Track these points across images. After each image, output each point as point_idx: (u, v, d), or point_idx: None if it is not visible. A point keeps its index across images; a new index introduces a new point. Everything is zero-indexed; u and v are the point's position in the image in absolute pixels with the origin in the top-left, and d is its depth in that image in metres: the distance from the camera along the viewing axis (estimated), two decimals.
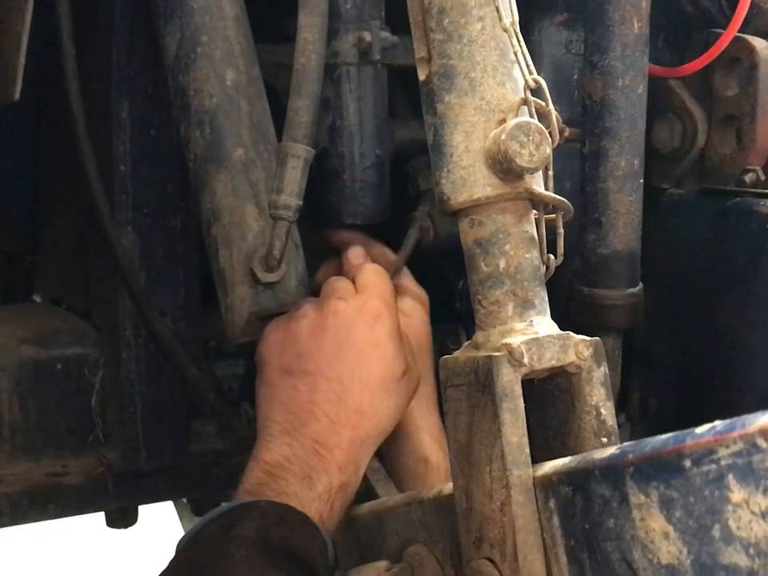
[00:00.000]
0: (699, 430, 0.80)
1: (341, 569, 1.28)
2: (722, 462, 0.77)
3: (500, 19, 1.05)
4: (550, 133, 1.04)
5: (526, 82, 1.05)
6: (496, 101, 1.05)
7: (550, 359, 1.02)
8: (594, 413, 1.04)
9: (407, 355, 1.34)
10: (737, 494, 0.77)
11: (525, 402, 1.01)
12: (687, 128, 1.56)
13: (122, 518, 1.73)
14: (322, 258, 1.57)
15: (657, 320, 1.54)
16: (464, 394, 1.04)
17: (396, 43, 1.53)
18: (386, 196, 1.57)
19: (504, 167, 1.02)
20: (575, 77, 1.58)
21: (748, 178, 1.50)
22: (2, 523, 1.59)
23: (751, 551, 0.76)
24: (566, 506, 0.95)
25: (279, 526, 1.16)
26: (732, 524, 0.77)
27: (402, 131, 1.62)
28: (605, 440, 1.04)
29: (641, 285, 1.47)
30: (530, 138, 1.01)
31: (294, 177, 1.36)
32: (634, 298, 1.46)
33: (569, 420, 1.06)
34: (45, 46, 1.49)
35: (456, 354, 1.07)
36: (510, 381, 1.00)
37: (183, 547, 1.17)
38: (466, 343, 1.08)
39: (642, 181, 1.44)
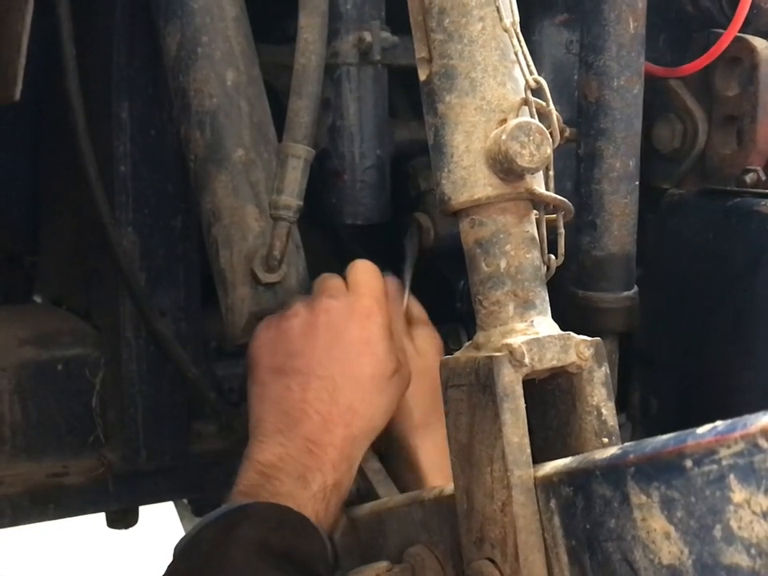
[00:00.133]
0: (700, 430, 0.80)
1: (341, 569, 1.27)
2: (724, 463, 0.77)
3: (500, 19, 1.05)
4: (550, 133, 1.03)
5: (527, 82, 1.05)
6: (497, 101, 1.05)
7: (550, 359, 1.02)
8: (595, 413, 1.04)
9: (398, 353, 1.33)
10: (738, 494, 0.77)
11: (526, 403, 1.01)
12: (688, 128, 1.56)
13: (122, 518, 1.73)
14: (322, 258, 1.57)
15: (657, 320, 1.54)
16: (465, 395, 1.04)
17: (396, 43, 1.53)
18: (387, 196, 1.58)
19: (505, 167, 1.02)
20: (575, 77, 1.58)
21: (749, 178, 1.50)
22: (3, 524, 1.59)
23: (752, 551, 0.76)
24: (567, 506, 0.95)
25: (278, 529, 1.16)
26: (733, 524, 0.77)
27: (403, 131, 1.62)
28: (606, 440, 1.04)
29: (636, 288, 1.47)
30: (531, 138, 1.01)
31: (295, 177, 1.36)
32: (629, 301, 1.45)
33: (570, 420, 1.06)
34: (45, 46, 1.49)
35: (457, 354, 1.07)
36: (510, 381, 1.00)
37: (181, 551, 1.17)
38: (467, 343, 1.08)
39: (637, 183, 1.43)
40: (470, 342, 1.08)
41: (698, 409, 1.53)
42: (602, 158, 1.42)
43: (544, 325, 1.05)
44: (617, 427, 1.05)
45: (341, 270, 1.41)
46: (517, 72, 1.06)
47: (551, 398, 1.08)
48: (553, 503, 0.97)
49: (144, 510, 1.76)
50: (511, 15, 1.06)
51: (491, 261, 1.05)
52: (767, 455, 0.74)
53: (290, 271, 1.43)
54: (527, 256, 1.06)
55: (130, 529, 1.76)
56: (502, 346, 1.01)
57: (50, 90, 1.63)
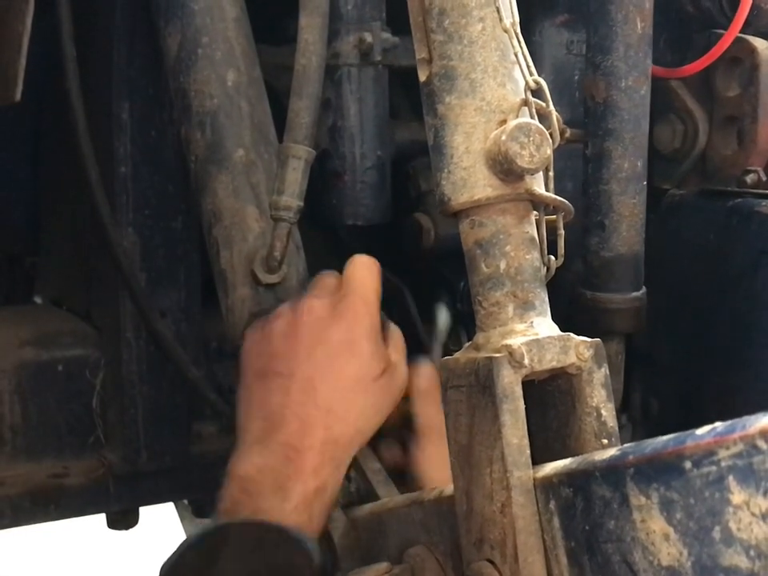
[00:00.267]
0: (699, 431, 0.79)
1: (342, 570, 1.27)
2: (723, 464, 0.77)
3: (500, 20, 1.05)
4: (550, 134, 1.03)
5: (527, 82, 1.05)
6: (496, 102, 1.05)
7: (550, 360, 1.02)
8: (595, 414, 1.04)
9: (392, 354, 1.31)
10: (737, 495, 0.76)
11: (525, 404, 1.01)
12: (688, 129, 1.56)
13: (123, 519, 1.74)
14: (323, 258, 1.57)
15: (658, 321, 1.54)
16: (464, 396, 1.04)
17: (397, 44, 1.53)
18: (387, 197, 1.58)
19: (504, 168, 1.02)
20: (576, 78, 1.58)
21: (749, 178, 1.50)
22: (3, 525, 1.59)
23: (752, 553, 0.76)
24: (566, 507, 0.95)
25: (258, 550, 1.14)
26: (732, 526, 0.77)
27: (403, 132, 1.62)
28: (605, 441, 1.03)
29: (644, 288, 1.47)
30: (531, 138, 1.01)
31: (295, 178, 1.36)
32: (637, 301, 1.46)
33: (569, 421, 1.05)
34: (46, 47, 1.49)
35: (456, 355, 1.07)
36: (510, 382, 0.99)
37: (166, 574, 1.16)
38: (467, 344, 1.08)
39: (645, 183, 1.43)
40: (470, 342, 1.08)
41: (698, 409, 1.53)
42: (609, 158, 1.42)
43: (544, 326, 1.04)
44: (616, 428, 1.05)
45: (341, 271, 1.41)
46: (517, 73, 1.06)
47: (551, 399, 1.07)
48: (552, 504, 0.97)
49: (144, 511, 1.76)
50: (511, 16, 1.06)
51: (491, 262, 1.05)
52: (766, 456, 0.73)
53: (291, 272, 1.42)
54: (527, 257, 1.05)
55: (131, 530, 1.76)
56: (502, 347, 1.01)
57: (51, 91, 1.63)
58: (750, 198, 1.47)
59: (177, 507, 2.43)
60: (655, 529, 0.85)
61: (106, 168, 1.52)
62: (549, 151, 1.02)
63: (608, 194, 1.42)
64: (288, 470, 1.22)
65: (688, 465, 0.80)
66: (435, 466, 1.30)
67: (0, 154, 1.70)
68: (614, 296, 1.44)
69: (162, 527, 2.60)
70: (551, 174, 1.06)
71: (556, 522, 0.96)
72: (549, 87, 1.06)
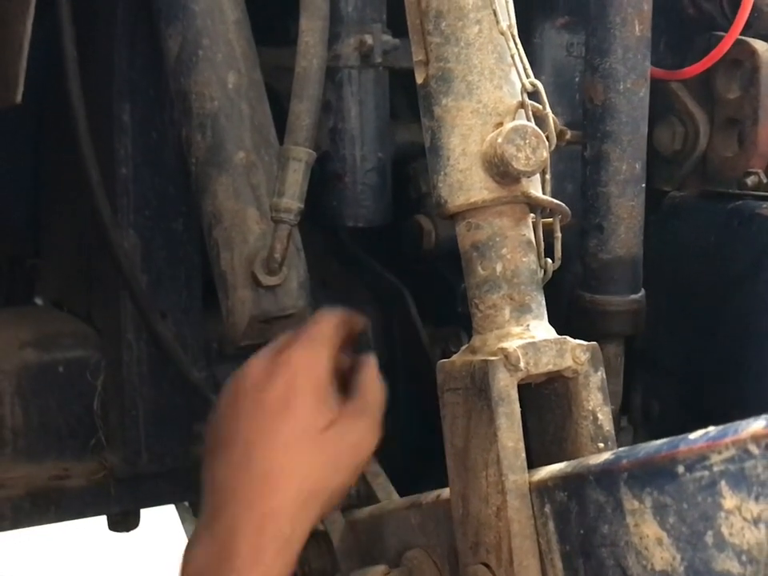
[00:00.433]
0: (692, 435, 0.79)
1: (340, 573, 1.28)
2: (715, 468, 0.77)
3: (497, 22, 1.05)
4: (547, 136, 1.03)
5: (523, 85, 1.05)
6: (493, 104, 1.05)
7: (546, 364, 1.02)
8: (591, 418, 1.04)
9: (349, 405, 1.21)
10: (729, 500, 0.76)
11: (522, 407, 1.01)
12: (689, 131, 1.56)
13: (123, 521, 1.74)
14: (323, 260, 1.57)
15: (659, 323, 1.53)
16: (461, 398, 1.04)
17: (397, 46, 1.53)
18: (388, 198, 1.58)
19: (501, 170, 1.02)
20: (576, 80, 1.58)
21: (750, 180, 1.49)
22: (4, 526, 1.59)
23: (743, 558, 0.76)
24: (561, 511, 0.95)
25: None
26: (725, 530, 0.77)
27: (404, 133, 1.62)
28: (601, 445, 1.03)
29: (643, 291, 1.47)
30: (527, 141, 1.01)
31: (296, 179, 1.36)
32: (636, 304, 1.45)
33: (566, 425, 1.05)
34: (47, 48, 1.49)
35: (453, 357, 1.07)
36: (506, 385, 1.00)
37: None
38: (463, 347, 1.08)
39: (643, 185, 1.43)
40: (466, 345, 1.08)
41: (699, 412, 1.52)
42: (608, 160, 1.41)
43: (540, 329, 1.05)
44: (613, 432, 1.05)
45: (342, 272, 1.41)
46: (513, 75, 1.06)
47: (547, 402, 1.08)
48: (547, 508, 0.97)
49: (145, 513, 1.76)
50: (508, 18, 1.06)
51: (487, 264, 1.05)
52: (758, 461, 0.73)
53: (291, 274, 1.42)
54: (523, 259, 1.06)
55: (132, 532, 1.76)
56: (498, 350, 1.01)
57: (52, 93, 1.63)
58: (751, 200, 1.47)
59: (178, 509, 2.43)
60: (648, 533, 0.85)
61: (106, 169, 1.52)
62: (545, 154, 1.02)
63: (606, 196, 1.41)
64: (225, 565, 1.10)
65: (681, 469, 0.80)
66: None
67: (1, 156, 1.70)
68: (613, 298, 1.44)
69: (163, 529, 2.60)
70: (548, 176, 1.07)
71: (551, 525, 0.96)
72: (549, 89, 1.06)
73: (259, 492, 1.13)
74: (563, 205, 1.08)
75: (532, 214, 1.08)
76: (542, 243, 1.08)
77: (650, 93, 1.42)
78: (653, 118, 1.49)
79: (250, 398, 1.20)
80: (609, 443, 1.04)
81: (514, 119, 1.04)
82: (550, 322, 1.07)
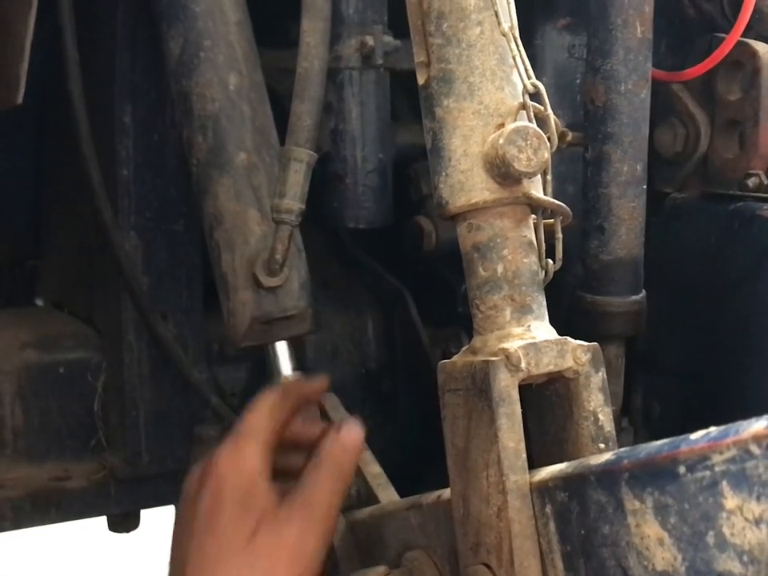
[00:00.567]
0: (694, 436, 0.79)
1: (340, 573, 1.27)
2: (716, 469, 0.77)
3: (499, 24, 1.05)
4: (548, 137, 1.03)
5: (525, 86, 1.05)
6: (494, 105, 1.05)
7: (547, 364, 1.02)
8: (592, 418, 1.04)
9: (287, 498, 1.12)
10: (731, 500, 0.76)
11: (522, 408, 1.01)
12: (690, 132, 1.56)
13: (124, 522, 1.74)
14: (324, 261, 1.57)
15: (660, 324, 1.54)
16: (462, 399, 1.04)
17: (399, 47, 1.53)
18: (389, 200, 1.58)
19: (502, 171, 1.02)
20: (578, 81, 1.58)
21: (751, 182, 1.49)
22: (4, 527, 1.59)
23: (745, 558, 0.76)
24: (562, 511, 0.95)
25: None
26: (726, 531, 0.77)
27: (405, 135, 1.62)
28: (602, 446, 1.03)
29: (644, 292, 1.47)
30: (528, 142, 1.01)
31: (297, 181, 1.36)
32: (637, 305, 1.45)
33: (566, 425, 1.05)
34: (48, 50, 1.49)
35: (454, 358, 1.07)
36: (506, 386, 0.99)
37: None
38: (464, 348, 1.08)
39: (644, 186, 1.43)
40: (467, 346, 1.08)
41: (700, 413, 1.52)
42: (609, 162, 1.41)
43: (541, 329, 1.04)
44: (614, 433, 1.05)
45: (343, 273, 1.41)
46: (515, 76, 1.06)
47: (548, 403, 1.07)
48: (548, 509, 0.97)
49: (146, 514, 1.76)
50: (509, 19, 1.06)
51: (488, 265, 1.05)
52: (759, 462, 0.73)
53: (292, 275, 1.42)
54: (524, 260, 1.05)
55: (132, 533, 1.76)
56: (499, 350, 1.01)
57: (53, 94, 1.63)
58: (752, 201, 1.47)
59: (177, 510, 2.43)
60: (650, 533, 0.85)
61: (107, 171, 1.52)
62: (546, 155, 1.02)
63: (607, 197, 1.41)
64: None
65: (682, 469, 0.80)
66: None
67: (2, 156, 1.70)
68: (614, 299, 1.44)
69: (163, 530, 2.60)
70: (549, 177, 1.06)
71: (552, 526, 0.96)
72: (550, 91, 1.06)
73: None
74: (564, 206, 1.07)
75: (533, 215, 1.08)
76: (543, 244, 1.08)
77: (651, 94, 1.42)
78: (654, 120, 1.49)
79: (187, 511, 1.14)
80: (610, 444, 1.04)
81: (515, 120, 1.04)
82: (551, 322, 1.07)
